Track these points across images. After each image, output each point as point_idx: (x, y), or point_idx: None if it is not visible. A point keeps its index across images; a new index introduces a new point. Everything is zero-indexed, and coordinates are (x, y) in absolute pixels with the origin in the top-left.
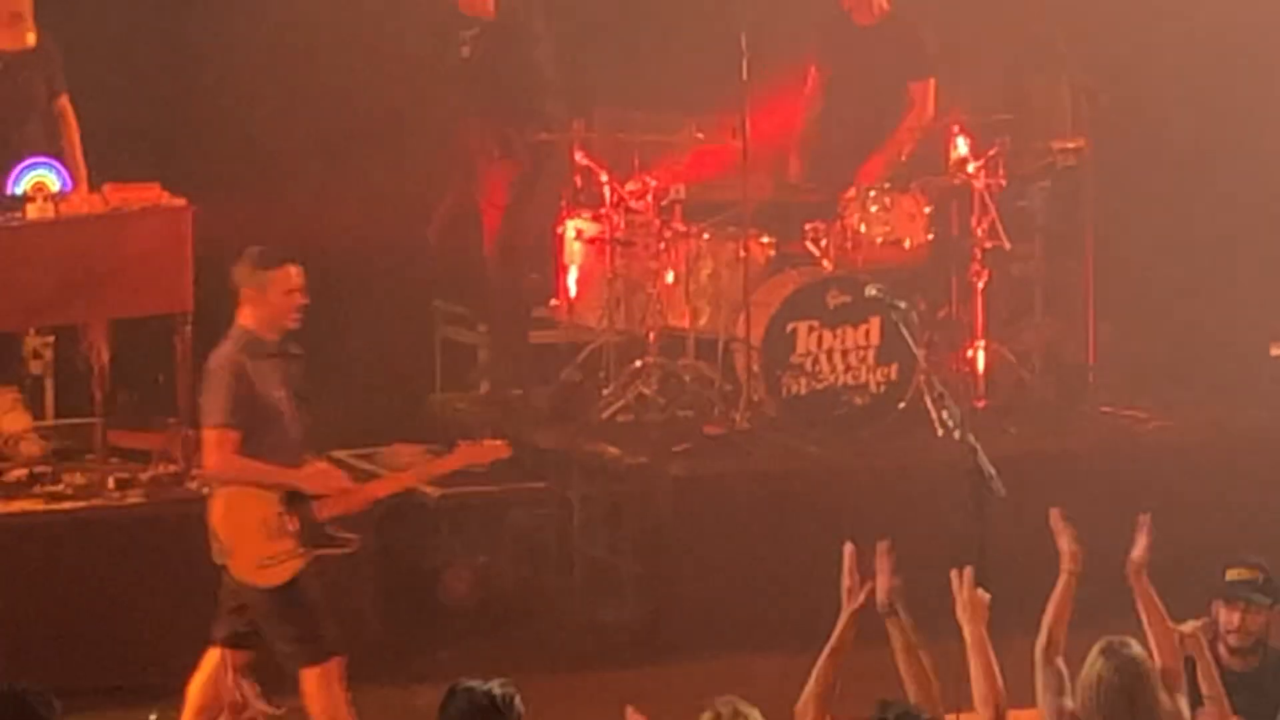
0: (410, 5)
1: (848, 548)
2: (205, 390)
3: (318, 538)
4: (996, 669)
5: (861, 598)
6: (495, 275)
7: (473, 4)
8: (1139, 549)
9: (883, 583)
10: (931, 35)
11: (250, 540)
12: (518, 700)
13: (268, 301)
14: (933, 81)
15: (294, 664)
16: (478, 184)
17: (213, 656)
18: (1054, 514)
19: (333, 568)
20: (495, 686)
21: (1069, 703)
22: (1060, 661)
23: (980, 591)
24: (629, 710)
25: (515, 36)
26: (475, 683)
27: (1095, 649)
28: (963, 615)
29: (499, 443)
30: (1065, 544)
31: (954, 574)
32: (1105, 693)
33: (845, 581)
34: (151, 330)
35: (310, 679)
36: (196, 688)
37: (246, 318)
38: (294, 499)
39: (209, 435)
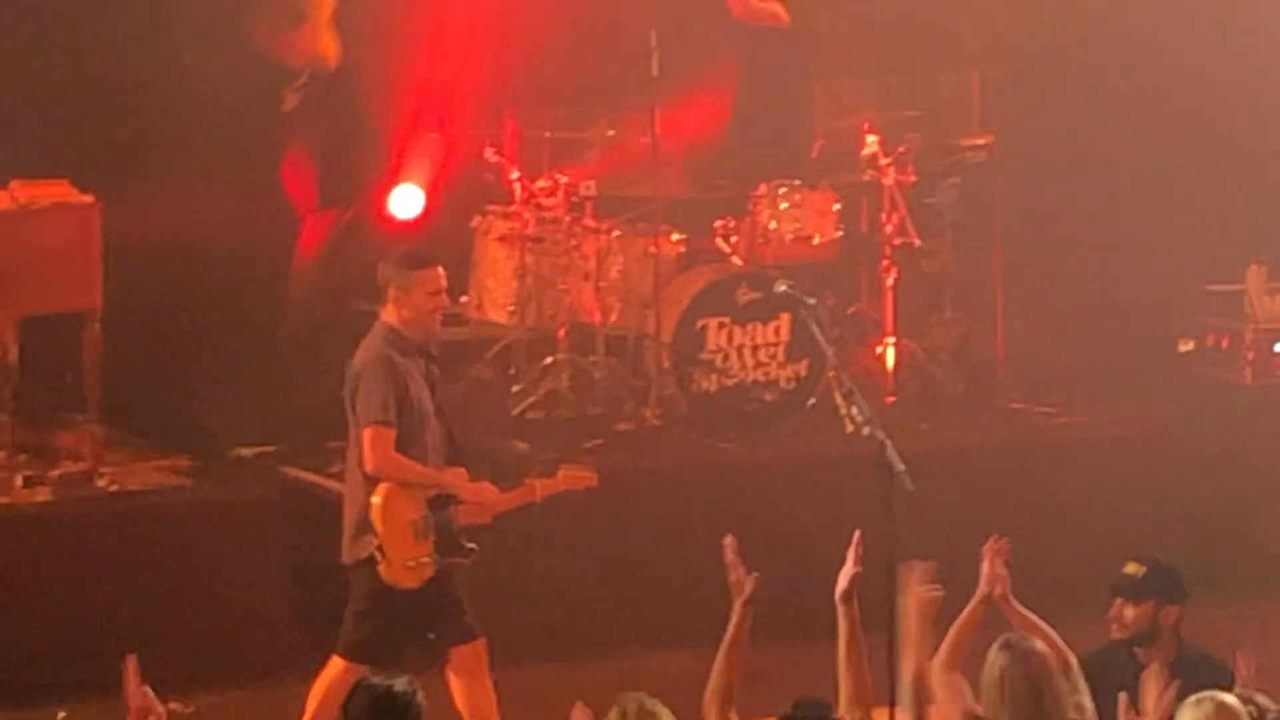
0: (233, 60)
1: (728, 540)
2: (359, 388)
3: (449, 545)
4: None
5: (749, 589)
6: (299, 316)
7: (303, 54)
8: (988, 582)
9: (848, 570)
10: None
11: (401, 541)
12: (419, 696)
13: (412, 301)
14: None
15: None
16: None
17: (335, 665)
18: (990, 542)
19: (242, 564)
20: (397, 684)
21: (976, 706)
22: (957, 671)
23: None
24: (578, 705)
25: (347, 86)
26: (378, 679)
27: (994, 647)
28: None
29: (590, 474)
30: (988, 568)
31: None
32: (1010, 687)
33: (730, 575)
34: (60, 327)
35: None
36: (317, 696)
37: (391, 315)
38: (434, 503)
39: (367, 433)
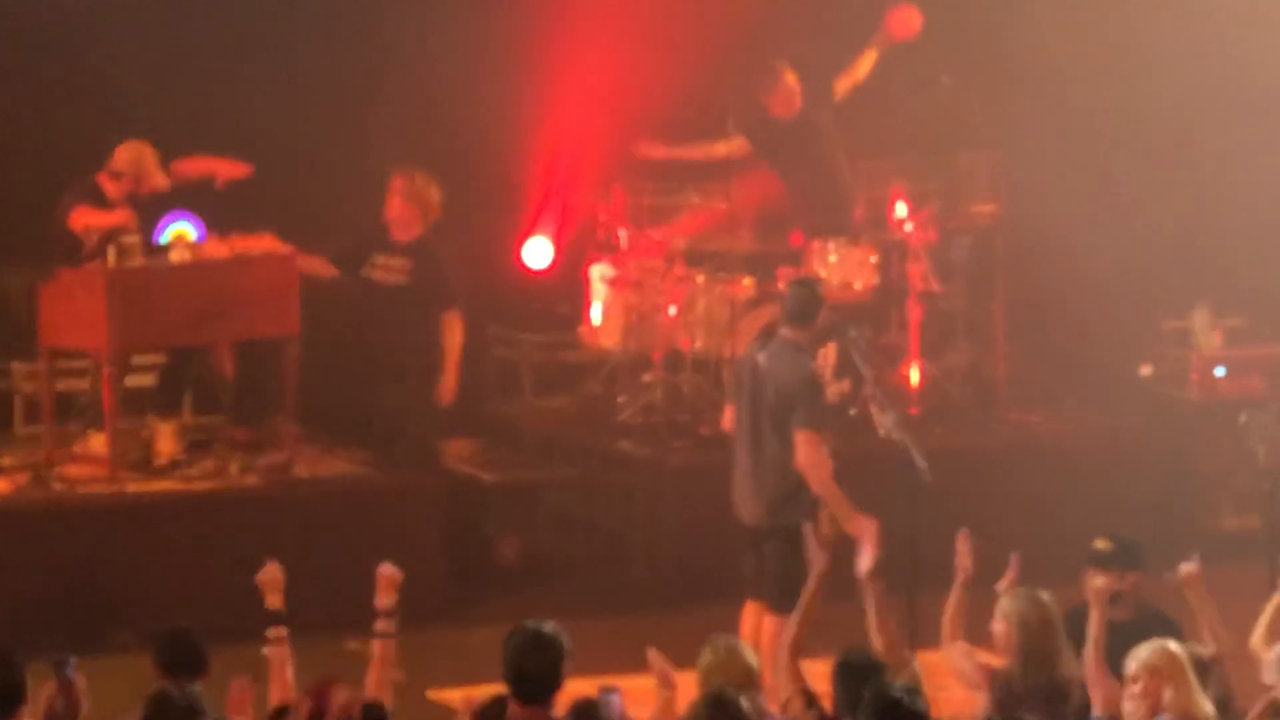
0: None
1: (808, 529)
2: (796, 396)
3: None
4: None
5: (822, 564)
6: None
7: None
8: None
9: (868, 553)
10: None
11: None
12: (564, 636)
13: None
14: None
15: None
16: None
17: (756, 609)
18: (960, 535)
19: (409, 536)
20: (546, 626)
21: (982, 659)
22: (960, 640)
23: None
24: (650, 651)
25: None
26: (531, 622)
27: (1003, 599)
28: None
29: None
30: (961, 558)
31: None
32: (1023, 626)
33: (809, 554)
34: (266, 348)
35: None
36: (759, 639)
37: (795, 335)
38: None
39: (804, 435)
